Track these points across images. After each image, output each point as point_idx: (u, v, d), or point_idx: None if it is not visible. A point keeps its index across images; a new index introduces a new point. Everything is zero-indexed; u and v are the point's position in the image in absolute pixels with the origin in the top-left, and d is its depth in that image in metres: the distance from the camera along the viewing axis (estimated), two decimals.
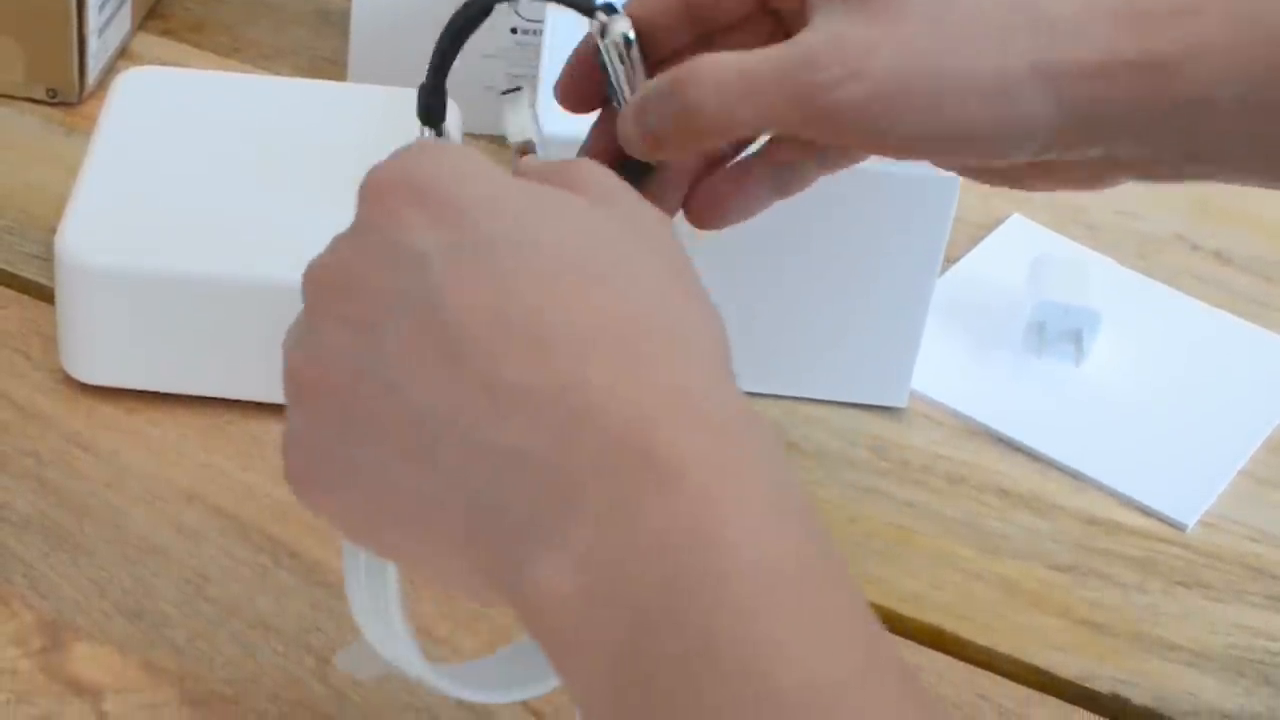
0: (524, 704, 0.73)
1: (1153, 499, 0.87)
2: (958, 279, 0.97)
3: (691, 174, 0.66)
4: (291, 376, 0.55)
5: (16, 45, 1.02)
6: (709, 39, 0.66)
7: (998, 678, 0.78)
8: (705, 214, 0.66)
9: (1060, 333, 0.93)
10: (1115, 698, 0.78)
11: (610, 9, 0.64)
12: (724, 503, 0.48)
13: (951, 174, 0.83)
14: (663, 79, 0.62)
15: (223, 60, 1.09)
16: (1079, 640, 0.80)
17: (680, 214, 0.67)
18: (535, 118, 0.63)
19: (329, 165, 0.88)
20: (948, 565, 0.83)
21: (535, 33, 1.02)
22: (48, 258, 0.86)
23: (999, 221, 1.02)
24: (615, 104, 0.64)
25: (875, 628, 0.49)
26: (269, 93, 0.94)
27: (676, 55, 0.65)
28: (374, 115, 0.91)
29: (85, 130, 0.93)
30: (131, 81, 0.93)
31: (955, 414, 0.90)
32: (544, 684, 0.63)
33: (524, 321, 0.50)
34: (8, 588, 0.77)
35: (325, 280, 0.55)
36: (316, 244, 0.84)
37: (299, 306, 0.84)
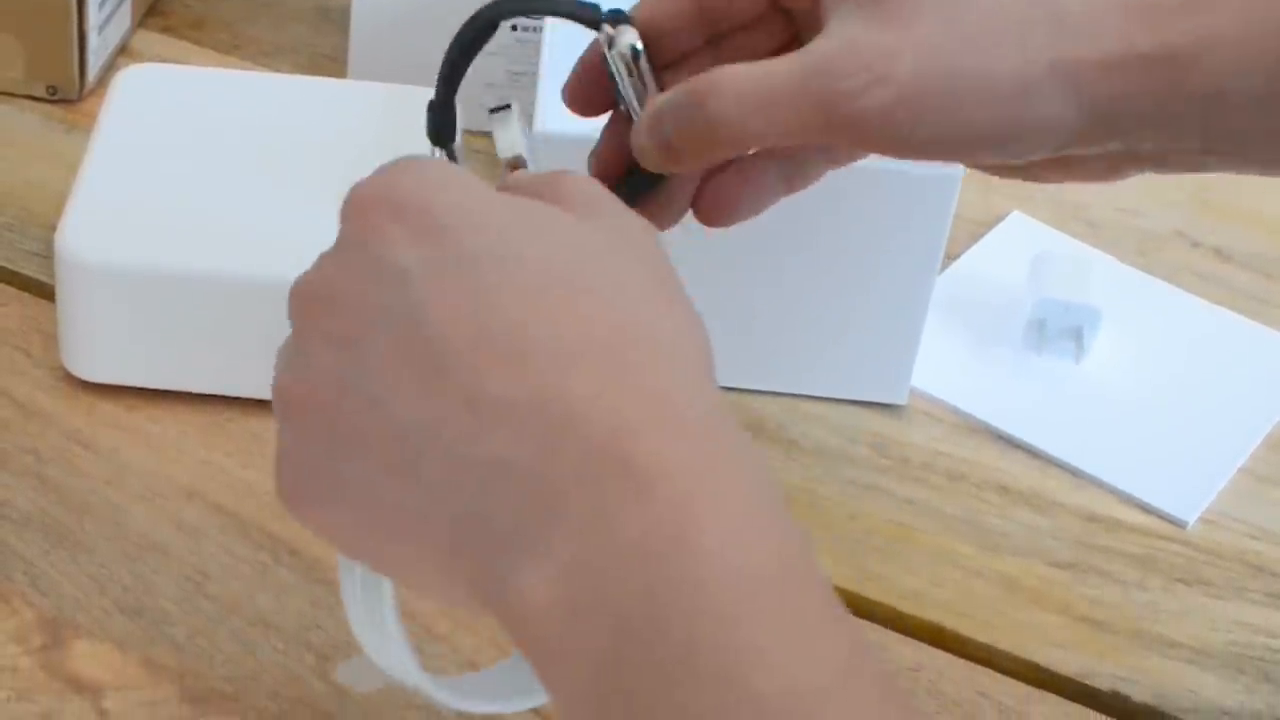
0: (535, 711, 0.73)
1: (1153, 496, 0.87)
2: (958, 276, 0.97)
3: (699, 172, 0.66)
4: (279, 394, 0.55)
5: (17, 42, 1.02)
6: (719, 40, 0.66)
7: (998, 675, 0.78)
8: (714, 212, 0.66)
9: (1060, 330, 0.93)
10: (1115, 695, 0.78)
11: (617, 16, 0.63)
12: (703, 509, 0.48)
13: (952, 171, 0.83)
14: (680, 91, 0.61)
15: (223, 57, 1.09)
16: (1079, 637, 0.80)
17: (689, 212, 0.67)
18: (525, 130, 0.63)
19: (329, 162, 0.88)
20: (948, 562, 0.83)
21: (536, 29, 1.01)
22: (48, 255, 0.86)
23: (999, 218, 1.02)
24: (624, 110, 0.64)
25: (855, 631, 0.49)
26: (269, 90, 0.94)
27: (686, 58, 0.65)
28: (374, 112, 0.91)
29: (85, 127, 0.93)
30: (131, 79, 0.93)
31: (955, 411, 0.90)
32: (541, 695, 0.63)
33: (506, 335, 0.51)
34: (8, 585, 0.77)
35: (309, 297, 0.55)
36: (316, 241, 0.83)
37: None
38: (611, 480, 0.49)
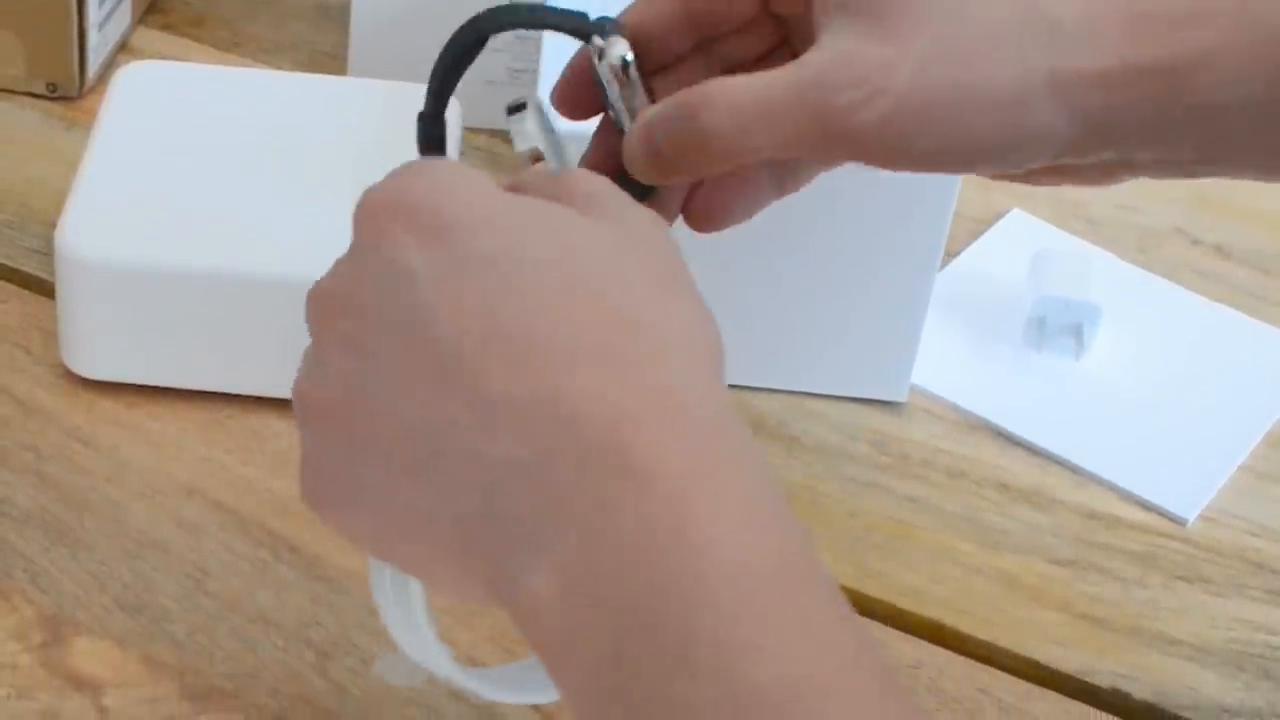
0: (536, 709, 0.73)
1: (1153, 493, 0.87)
2: (958, 273, 0.97)
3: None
4: (298, 400, 0.56)
5: (17, 40, 1.02)
6: (710, 45, 0.65)
7: (998, 672, 0.78)
8: (705, 218, 0.66)
9: (1060, 327, 0.93)
10: (1115, 692, 0.78)
11: (606, 25, 0.63)
12: (702, 505, 0.49)
13: None
14: (672, 103, 0.61)
15: (223, 55, 1.09)
16: (1079, 635, 0.80)
17: (679, 218, 0.66)
18: (548, 125, 0.63)
19: (329, 160, 0.88)
20: (948, 560, 0.83)
21: None
22: (48, 252, 0.86)
23: (999, 216, 1.02)
24: (615, 119, 0.63)
25: (857, 628, 0.49)
26: (269, 87, 0.94)
27: (677, 63, 0.65)
28: (374, 110, 0.91)
29: (85, 125, 0.93)
30: (131, 76, 0.93)
31: (955, 408, 0.91)
32: None
33: (510, 334, 0.51)
34: (8, 582, 0.77)
35: (324, 303, 0.55)
36: (316, 238, 0.84)
37: (299, 301, 0.84)
38: (611, 477, 0.49)
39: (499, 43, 1.03)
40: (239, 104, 0.91)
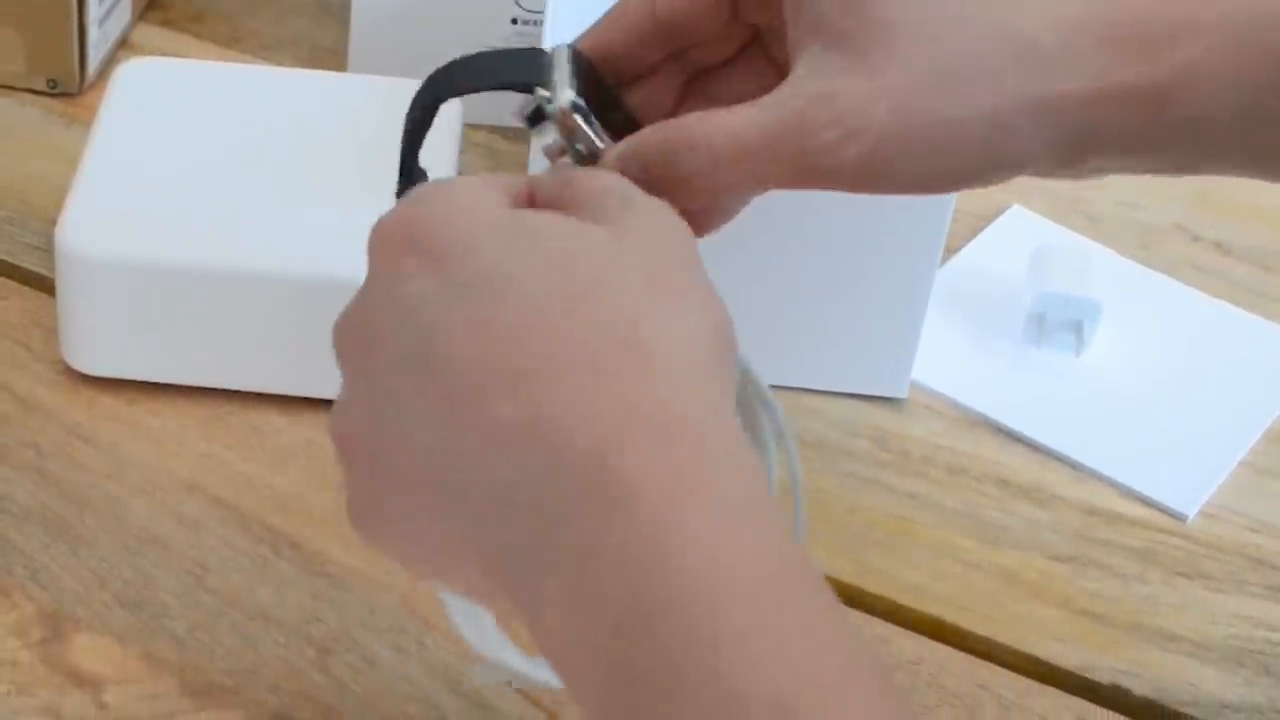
0: (528, 698, 0.73)
1: (1153, 489, 0.87)
2: (958, 269, 0.97)
3: None
4: (332, 433, 0.57)
5: (17, 36, 1.02)
6: (683, 53, 0.65)
7: (998, 668, 0.78)
8: (692, 224, 0.65)
9: (1060, 323, 0.93)
10: (1115, 688, 0.78)
11: (558, 52, 0.62)
12: (683, 523, 0.49)
13: None
14: (651, 144, 0.60)
15: (223, 51, 1.09)
16: (1079, 631, 0.80)
17: None
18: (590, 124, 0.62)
19: (329, 156, 0.88)
20: (948, 556, 0.83)
21: (536, 23, 1.01)
22: (48, 249, 0.86)
23: (999, 212, 1.02)
24: (572, 159, 0.62)
25: (849, 629, 0.49)
26: (269, 83, 0.94)
27: (653, 72, 0.65)
28: (374, 106, 0.91)
29: (85, 121, 0.93)
30: (132, 72, 0.93)
31: (955, 405, 0.91)
32: None
33: (507, 358, 0.52)
34: (8, 579, 0.77)
35: (345, 335, 0.56)
36: (316, 234, 0.84)
37: (299, 297, 0.84)
38: (596, 503, 0.49)
39: (497, 38, 1.03)
40: (239, 100, 0.91)
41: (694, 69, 0.65)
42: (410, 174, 0.64)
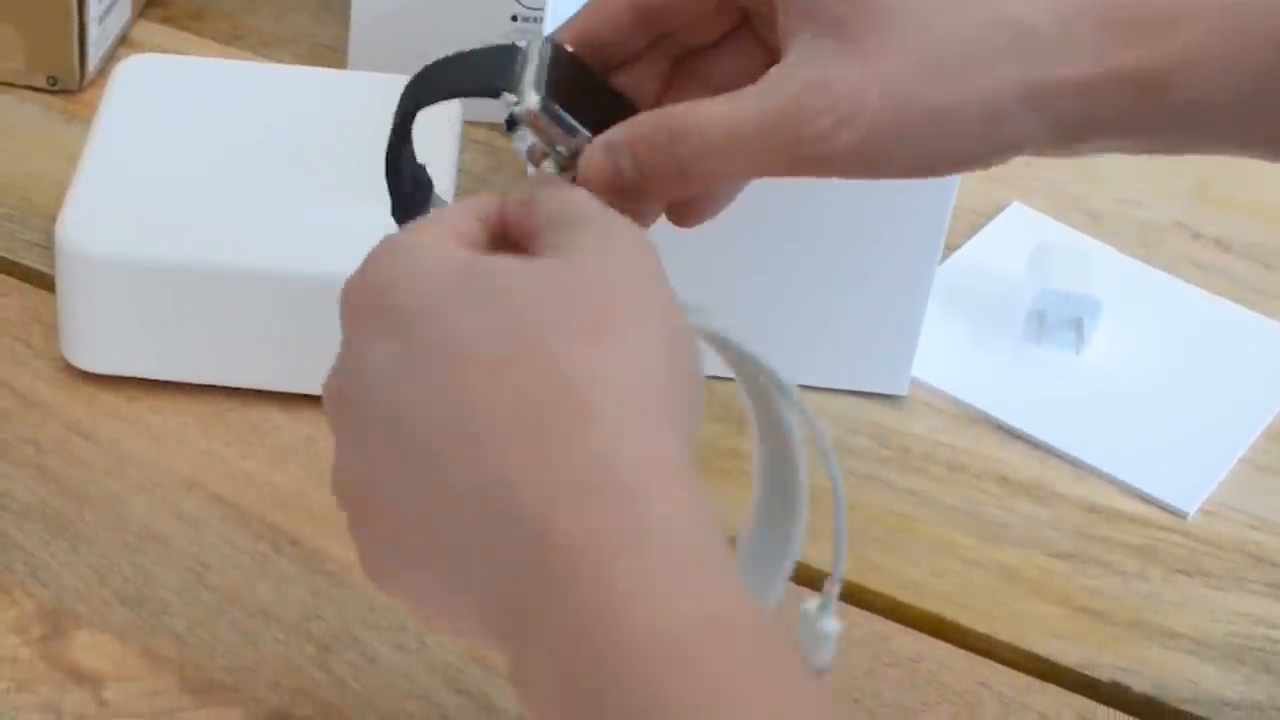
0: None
1: (1153, 486, 0.87)
2: (958, 267, 0.97)
3: None
4: (332, 489, 0.57)
5: (17, 33, 1.02)
6: (670, 38, 0.65)
7: (998, 665, 0.78)
8: (684, 213, 0.65)
9: (1061, 320, 0.93)
10: (1115, 685, 0.78)
11: (531, 48, 0.62)
12: (616, 581, 0.49)
13: None
14: (640, 133, 0.60)
15: (223, 48, 1.09)
16: (1079, 628, 0.80)
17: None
18: (539, 132, 0.62)
19: (329, 153, 0.88)
20: (948, 553, 0.83)
21: (536, 20, 1.01)
22: (48, 245, 0.86)
23: (999, 209, 1.02)
24: (552, 161, 0.61)
25: (794, 674, 0.50)
26: (269, 80, 0.94)
27: (638, 57, 0.64)
28: (374, 103, 0.90)
29: (85, 118, 0.93)
30: (132, 69, 0.93)
31: (956, 402, 0.91)
32: None
33: (456, 423, 0.52)
34: (8, 576, 0.77)
35: (330, 398, 0.57)
36: (316, 231, 0.84)
37: (299, 295, 0.84)
38: (541, 561, 0.50)
39: (496, 35, 1.03)
40: (239, 97, 0.91)
41: (681, 51, 0.65)
42: (397, 178, 0.64)
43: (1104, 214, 1.03)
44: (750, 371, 0.62)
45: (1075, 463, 0.88)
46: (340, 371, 0.56)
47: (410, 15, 1.02)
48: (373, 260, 0.56)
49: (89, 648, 0.74)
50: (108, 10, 1.04)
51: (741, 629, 0.50)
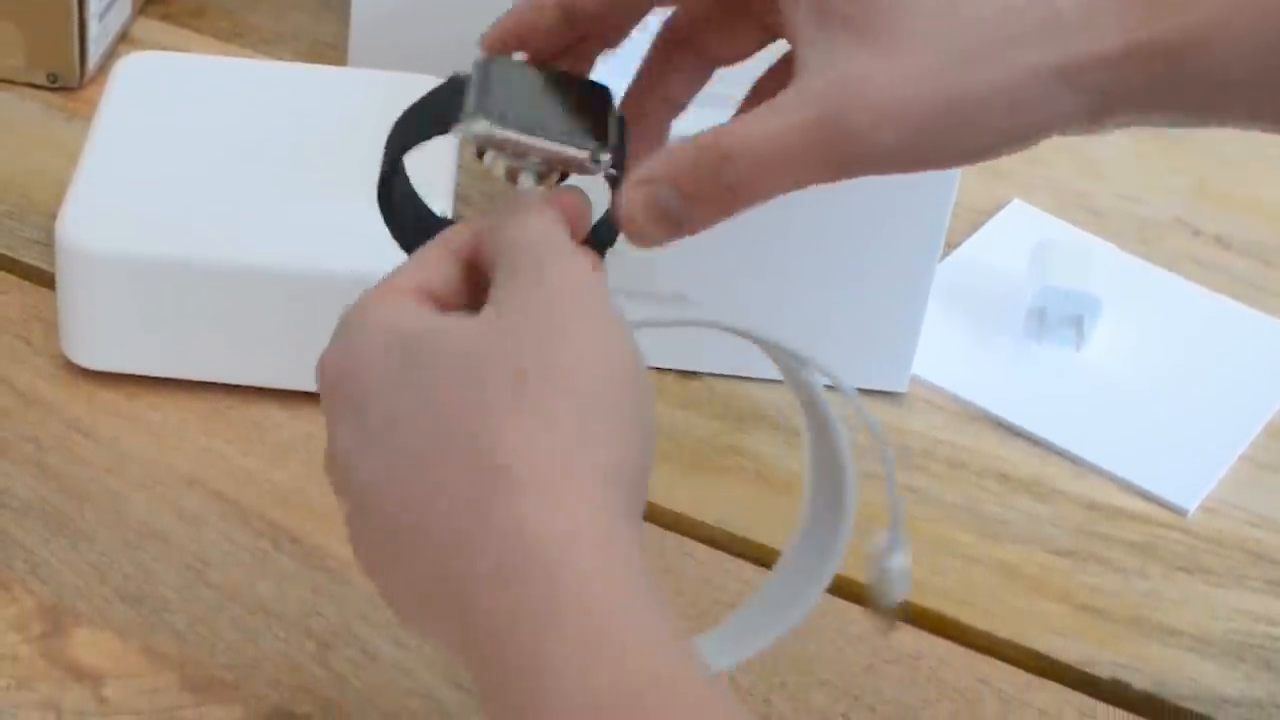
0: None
1: (1153, 484, 0.87)
2: (958, 264, 0.97)
3: None
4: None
5: (17, 30, 1.02)
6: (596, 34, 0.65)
7: (998, 663, 0.78)
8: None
9: (1061, 318, 0.93)
10: (1115, 683, 0.78)
11: (467, 80, 0.62)
12: (545, 659, 0.51)
13: None
14: (683, 162, 0.59)
15: (223, 45, 1.09)
16: (1079, 625, 0.80)
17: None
18: (503, 150, 0.62)
19: (329, 150, 0.88)
20: (948, 551, 0.83)
21: None
22: (48, 243, 0.86)
23: (999, 206, 1.02)
24: (528, 174, 0.61)
25: None
26: (269, 78, 0.94)
27: (568, 51, 0.64)
28: (374, 100, 0.90)
29: (86, 115, 0.93)
30: (132, 66, 0.93)
31: (956, 399, 0.91)
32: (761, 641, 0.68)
33: (395, 514, 0.55)
34: (8, 573, 0.77)
35: (326, 469, 0.59)
36: (317, 229, 0.84)
37: (300, 292, 0.84)
38: (475, 645, 0.53)
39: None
40: (239, 95, 0.91)
41: (674, 26, 0.65)
42: (398, 225, 0.64)
43: (1104, 211, 1.03)
44: (796, 375, 0.63)
45: (1075, 460, 0.88)
46: (327, 445, 0.58)
47: (410, 13, 1.02)
48: (334, 338, 0.59)
49: (89, 645, 0.74)
50: (108, 7, 1.04)
51: (677, 693, 0.51)
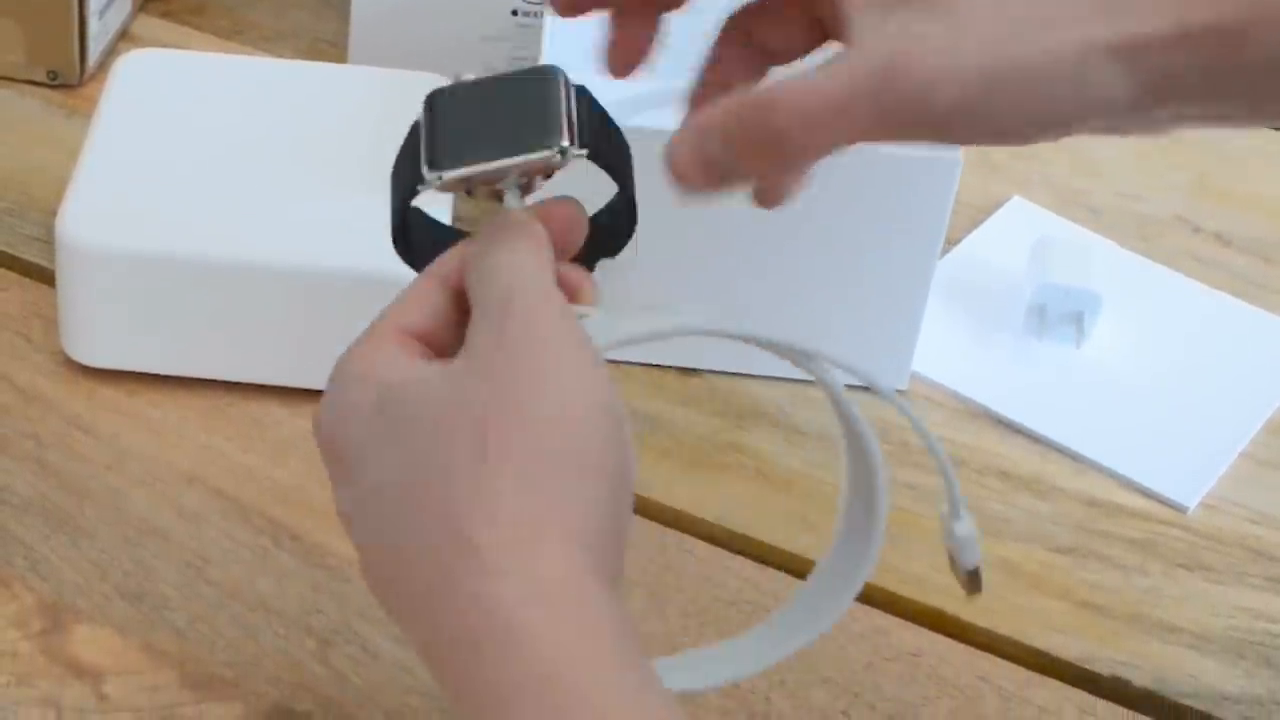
0: None
1: (1153, 481, 0.87)
2: (958, 261, 0.97)
3: None
4: None
5: (17, 27, 1.02)
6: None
7: (998, 660, 0.78)
8: (769, 195, 0.66)
9: (1061, 315, 0.93)
10: (1115, 680, 0.78)
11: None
12: None
13: (952, 155, 0.83)
14: (731, 112, 0.60)
15: (223, 43, 1.09)
16: (1079, 622, 0.80)
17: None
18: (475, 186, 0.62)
19: (329, 147, 0.88)
20: None
21: (536, 15, 1.01)
22: (48, 240, 0.86)
23: (1000, 203, 1.02)
24: (511, 194, 0.61)
25: None
26: (269, 75, 0.94)
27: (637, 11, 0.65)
28: (374, 98, 0.91)
29: (86, 112, 0.93)
30: (132, 64, 0.93)
31: (956, 396, 0.91)
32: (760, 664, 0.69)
33: (386, 580, 0.57)
34: (8, 570, 0.77)
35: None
36: (317, 226, 0.84)
37: (300, 289, 0.84)
38: (453, 707, 0.54)
39: (498, 30, 1.03)
40: (239, 92, 0.91)
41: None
42: (416, 258, 0.64)
43: (1104, 208, 1.03)
44: (824, 383, 0.64)
45: (1076, 457, 0.88)
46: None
47: (410, 10, 1.02)
48: (326, 392, 0.59)
49: (89, 642, 0.74)
50: (108, 5, 1.04)
51: None
